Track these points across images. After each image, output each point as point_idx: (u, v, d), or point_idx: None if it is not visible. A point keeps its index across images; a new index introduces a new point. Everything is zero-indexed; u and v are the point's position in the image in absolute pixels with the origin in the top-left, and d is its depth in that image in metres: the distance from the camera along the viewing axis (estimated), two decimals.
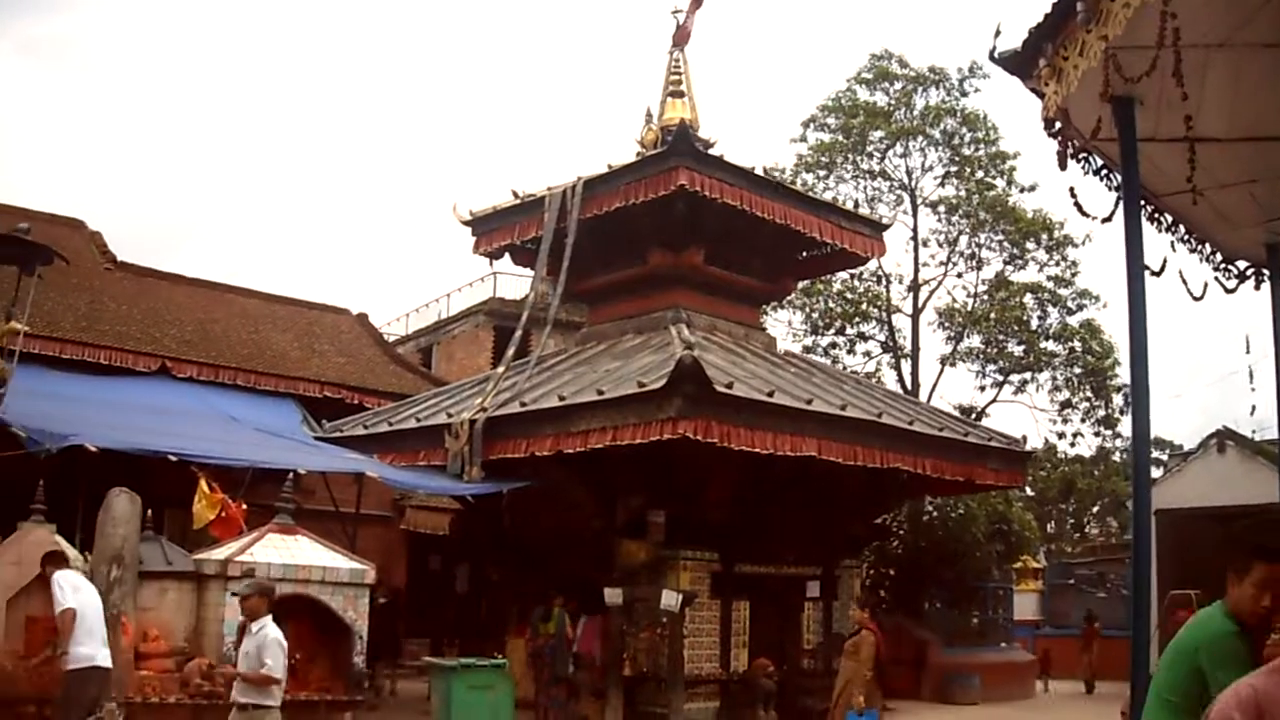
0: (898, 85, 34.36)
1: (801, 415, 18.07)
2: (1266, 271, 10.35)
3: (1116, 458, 37.64)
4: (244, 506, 16.34)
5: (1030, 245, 33.56)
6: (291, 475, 15.23)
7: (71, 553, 12.56)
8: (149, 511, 13.09)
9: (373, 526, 23.27)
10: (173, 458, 16.49)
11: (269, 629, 9.54)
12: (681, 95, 23.16)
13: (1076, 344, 33.72)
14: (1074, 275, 33.86)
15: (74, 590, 10.42)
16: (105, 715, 10.48)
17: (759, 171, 22.13)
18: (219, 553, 13.48)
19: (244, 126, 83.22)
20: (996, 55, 8.46)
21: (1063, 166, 8.33)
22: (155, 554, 13.15)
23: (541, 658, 19.01)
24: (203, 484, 16.04)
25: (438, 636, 24.90)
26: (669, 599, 17.96)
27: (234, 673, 9.79)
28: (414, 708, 18.38)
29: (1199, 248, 10.09)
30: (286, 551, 13.49)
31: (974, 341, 34.52)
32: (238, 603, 10.25)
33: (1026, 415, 43.10)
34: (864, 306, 34.20)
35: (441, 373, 31.88)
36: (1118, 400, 33.25)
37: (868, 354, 35.07)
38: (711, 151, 21.36)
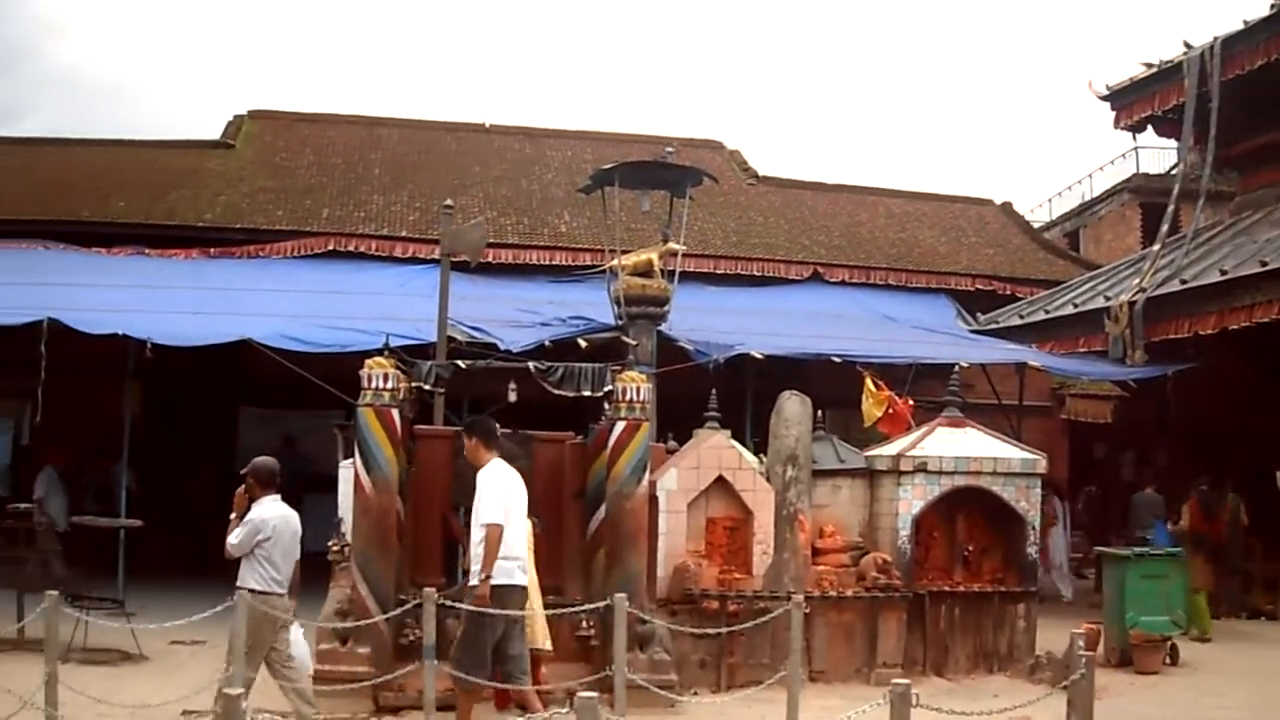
0: None
1: None
2: None
3: None
4: (910, 402, 16.82)
5: None
6: (956, 369, 15.48)
7: (748, 456, 13.41)
8: (819, 412, 13.71)
9: (1033, 417, 23.15)
10: (836, 359, 17.32)
11: (254, 509, 9.62)
12: None
13: None
14: None
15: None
16: None
17: None
18: (890, 448, 13.91)
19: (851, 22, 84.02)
20: None
21: None
22: (827, 452, 13.75)
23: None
24: (869, 382, 16.73)
25: (1102, 526, 24.49)
26: None
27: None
28: (1081, 600, 18.24)
29: None
30: (957, 444, 13.70)
31: None
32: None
33: None
34: None
35: (1089, 256, 31.01)
36: None
37: None
38: None
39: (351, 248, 21.02)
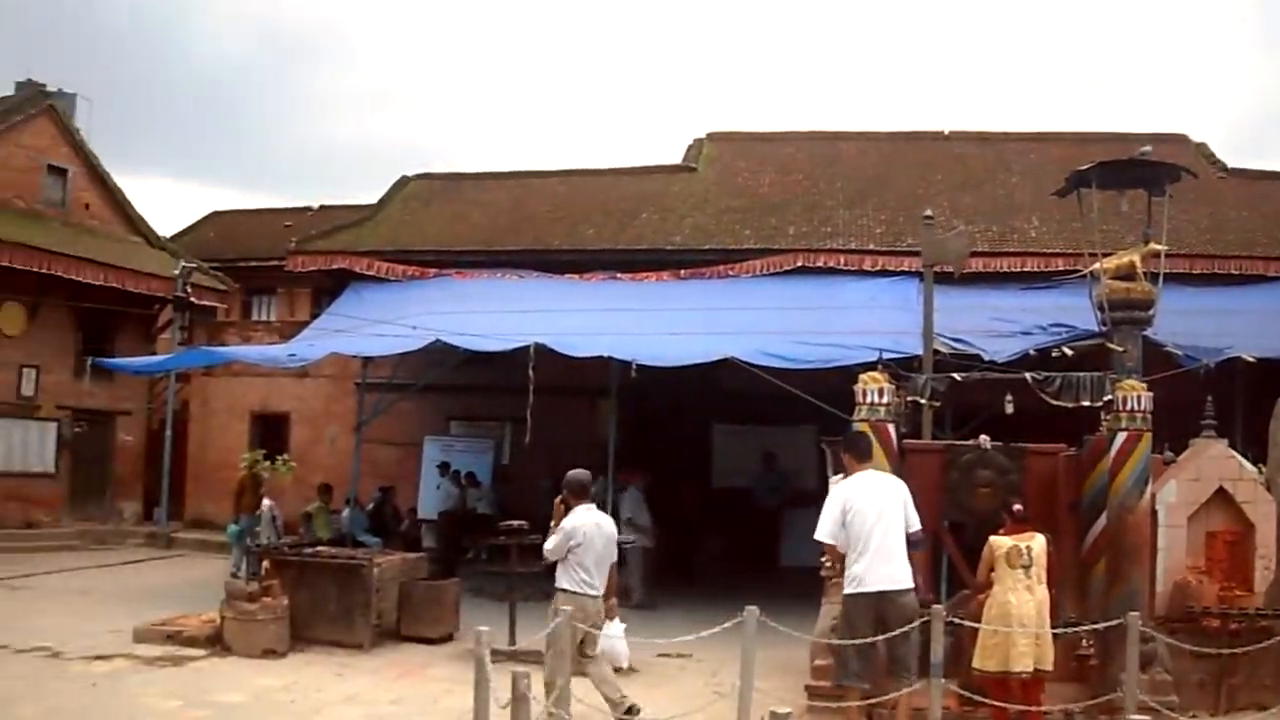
0: None
1: None
2: None
3: None
4: None
5: None
6: None
7: (1249, 468, 13.08)
8: None
9: None
10: None
11: (568, 517, 10.66)
12: None
13: None
14: None
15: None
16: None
17: None
18: None
19: None
20: None
21: None
22: None
23: None
24: None
25: None
26: None
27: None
28: None
29: None
30: None
31: None
32: None
33: None
34: None
35: None
36: None
37: None
38: None
39: (820, 263, 21.48)
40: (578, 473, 11.05)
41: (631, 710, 10.55)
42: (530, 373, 16.51)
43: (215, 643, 14.55)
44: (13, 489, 26.91)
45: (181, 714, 11.39)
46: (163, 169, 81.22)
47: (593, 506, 10.90)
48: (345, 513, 22.00)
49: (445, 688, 12.70)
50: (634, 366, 16.32)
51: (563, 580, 10.68)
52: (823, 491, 12.92)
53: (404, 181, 28.58)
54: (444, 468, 24.43)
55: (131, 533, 28.63)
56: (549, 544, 10.79)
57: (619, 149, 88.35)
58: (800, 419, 17.83)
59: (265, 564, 15.45)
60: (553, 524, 10.93)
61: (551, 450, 19.66)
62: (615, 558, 10.98)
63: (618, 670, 11.28)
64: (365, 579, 15.29)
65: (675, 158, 28.05)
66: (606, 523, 10.90)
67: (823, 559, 12.29)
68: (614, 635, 11.13)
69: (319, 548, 17.32)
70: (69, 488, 28.56)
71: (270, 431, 28.97)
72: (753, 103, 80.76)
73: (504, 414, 24.21)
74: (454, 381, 22.97)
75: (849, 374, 12.94)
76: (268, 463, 20.37)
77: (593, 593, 10.65)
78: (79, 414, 28.73)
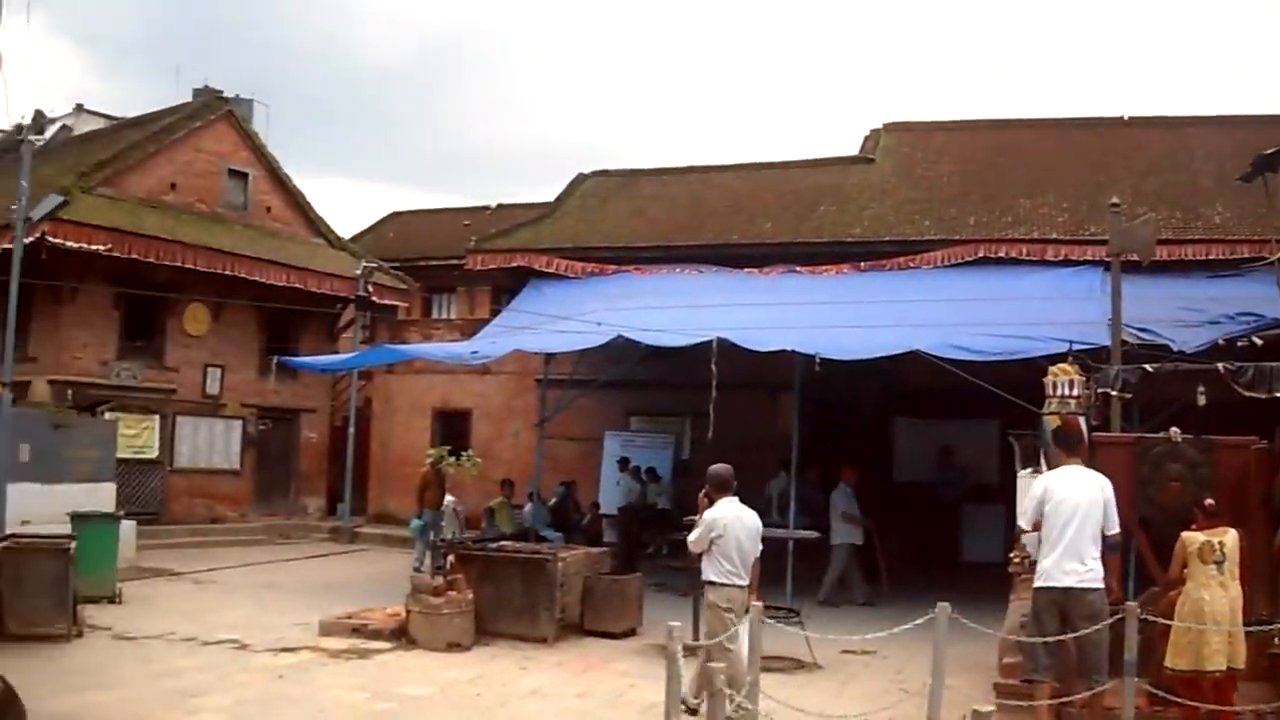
0: None
1: None
2: None
3: None
4: None
5: None
6: None
7: None
8: None
9: None
10: None
11: (710, 510, 10.90)
12: None
13: None
14: None
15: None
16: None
17: None
18: None
19: None
20: None
21: None
22: None
23: None
24: None
25: None
26: None
27: None
28: None
29: None
30: None
31: None
32: None
33: None
34: None
35: None
36: None
37: None
38: None
39: (1001, 253, 21.29)
40: (719, 467, 11.29)
41: (694, 711, 10.61)
42: (712, 368, 16.61)
43: (400, 636, 14.81)
44: (199, 485, 27.93)
45: (368, 706, 11.65)
46: (341, 171, 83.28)
47: (735, 500, 11.07)
48: (528, 508, 22.41)
49: (629, 682, 12.87)
50: (818, 360, 16.27)
51: (709, 572, 10.91)
52: (1004, 486, 12.90)
53: (581, 179, 29.09)
54: (624, 463, 24.75)
55: (315, 528, 29.50)
56: (692, 536, 11.09)
57: (795, 142, 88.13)
58: (982, 412, 17.66)
59: (450, 558, 15.76)
60: (697, 517, 11.18)
61: (732, 445, 19.79)
62: (759, 551, 11.10)
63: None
64: (550, 573, 15.45)
65: (852, 149, 28.18)
66: (749, 515, 11.05)
67: (1010, 555, 12.28)
68: (743, 638, 11.16)
69: (503, 542, 17.63)
70: (254, 484, 29.48)
71: (452, 428, 29.66)
72: (928, 92, 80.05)
73: (684, 409, 24.45)
74: (634, 377, 23.08)
75: (1033, 366, 12.85)
76: (453, 459, 20.86)
77: (739, 582, 10.85)
78: (263, 412, 29.67)
